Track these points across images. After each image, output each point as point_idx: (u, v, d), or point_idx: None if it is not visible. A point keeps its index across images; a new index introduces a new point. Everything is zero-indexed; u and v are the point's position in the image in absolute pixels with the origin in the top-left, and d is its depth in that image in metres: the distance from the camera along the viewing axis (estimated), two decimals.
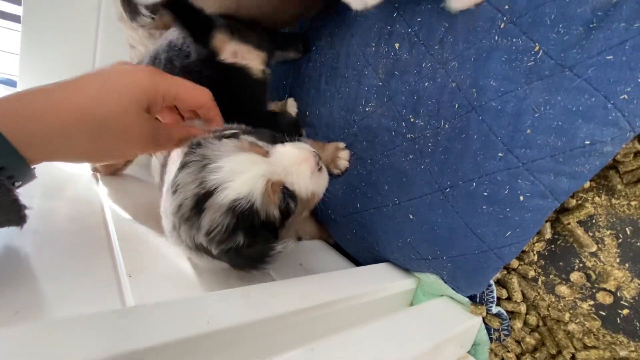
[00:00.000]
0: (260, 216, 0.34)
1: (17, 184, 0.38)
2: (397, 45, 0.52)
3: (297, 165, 0.38)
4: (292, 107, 0.78)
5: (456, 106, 0.42)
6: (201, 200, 0.33)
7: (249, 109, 0.71)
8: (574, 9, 0.35)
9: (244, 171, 0.33)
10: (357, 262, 0.64)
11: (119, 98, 0.41)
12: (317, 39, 0.73)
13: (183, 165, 0.36)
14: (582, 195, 0.41)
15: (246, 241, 0.34)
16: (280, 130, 0.73)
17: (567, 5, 0.35)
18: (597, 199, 0.40)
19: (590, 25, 0.34)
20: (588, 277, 0.42)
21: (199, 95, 0.47)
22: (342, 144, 0.63)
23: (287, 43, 0.75)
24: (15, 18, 1.13)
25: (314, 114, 0.72)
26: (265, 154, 0.37)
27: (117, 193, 0.63)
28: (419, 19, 0.49)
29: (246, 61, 0.67)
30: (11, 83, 1.16)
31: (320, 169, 0.41)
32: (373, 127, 0.55)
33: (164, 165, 0.51)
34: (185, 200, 0.34)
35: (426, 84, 0.47)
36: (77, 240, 0.46)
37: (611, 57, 0.32)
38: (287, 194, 0.36)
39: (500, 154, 0.37)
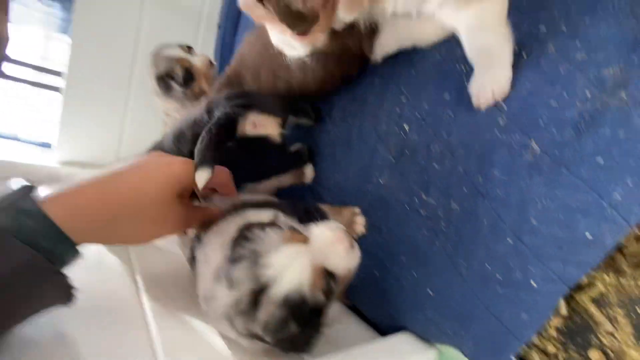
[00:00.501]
0: (309, 304, 0.37)
1: (67, 266, 0.42)
2: (406, 127, 0.57)
3: (334, 246, 0.41)
4: (309, 171, 0.84)
5: (465, 190, 0.46)
6: (257, 295, 0.37)
7: (269, 165, 0.76)
8: (563, 112, 0.40)
9: (292, 264, 0.37)
10: (375, 325, 0.65)
11: (159, 188, 0.46)
12: (330, 110, 0.79)
13: (235, 260, 0.39)
14: (592, 273, 0.44)
15: (298, 329, 0.37)
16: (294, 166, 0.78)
17: (557, 110, 0.40)
18: (606, 278, 0.42)
19: (579, 127, 0.38)
20: (606, 355, 0.43)
21: (221, 176, 0.53)
22: (357, 209, 0.67)
23: (299, 110, 0.82)
24: (54, 89, 1.25)
25: (329, 180, 0.77)
26: (305, 240, 0.41)
27: (149, 264, 0.66)
28: (426, 107, 0.55)
29: (265, 130, 0.74)
30: (47, 146, 1.26)
31: (352, 246, 0.44)
32: (387, 199, 0.60)
33: (196, 242, 0.55)
34: (243, 297, 0.38)
35: (435, 165, 0.51)
36: (114, 317, 0.50)
37: (601, 160, 0.36)
38: (329, 277, 0.40)
39: (509, 240, 0.40)
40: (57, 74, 1.25)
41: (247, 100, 0.71)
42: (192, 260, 0.56)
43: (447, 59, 0.53)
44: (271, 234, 0.41)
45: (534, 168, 0.40)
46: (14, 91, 1.22)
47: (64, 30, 1.26)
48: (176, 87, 0.93)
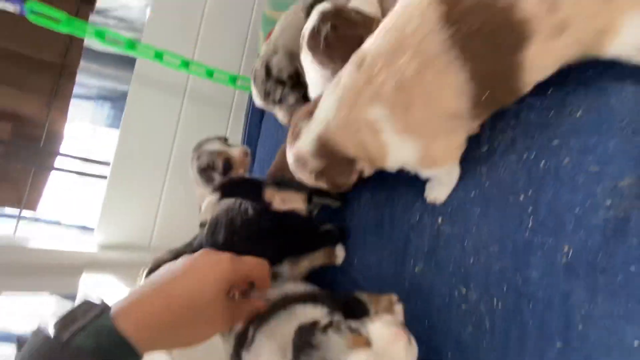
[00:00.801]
0: None
1: None
2: (439, 219, 0.62)
3: (394, 345, 0.42)
4: (340, 251, 0.87)
5: (505, 288, 0.49)
6: None
7: (300, 240, 0.80)
8: (588, 219, 0.44)
9: None
10: None
11: (213, 288, 0.49)
12: (359, 194, 0.85)
13: None
14: None
15: None
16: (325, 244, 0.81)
17: (582, 217, 0.44)
18: None
19: (607, 234, 0.42)
20: None
21: (261, 270, 0.55)
22: (395, 297, 0.68)
23: (324, 192, 0.88)
24: (97, 176, 1.37)
25: (361, 263, 0.79)
26: (368, 343, 0.43)
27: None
28: (455, 202, 0.60)
29: (293, 205, 0.79)
30: (87, 229, 1.34)
31: (410, 341, 0.46)
32: (425, 288, 0.62)
33: (241, 339, 0.57)
34: None
35: (471, 260, 0.55)
36: None
37: (634, 268, 0.39)
38: None
39: (558, 344, 0.42)
40: (101, 163, 1.38)
41: (272, 180, 0.78)
42: (236, 357, 0.57)
43: (470, 159, 0.59)
44: (335, 339, 0.42)
45: (571, 272, 0.43)
46: (59, 180, 1.34)
47: (111, 124, 1.42)
48: (216, 177, 1.01)
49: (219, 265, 0.51)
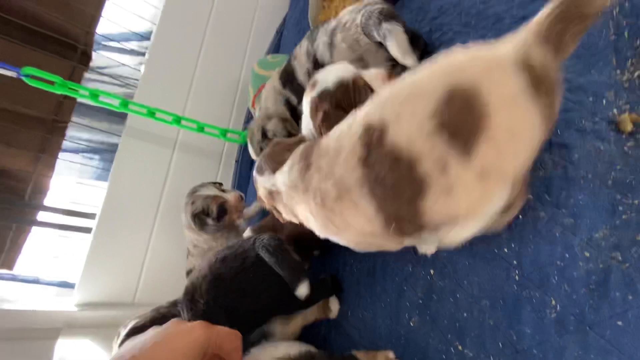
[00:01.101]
0: None
1: None
2: (432, 271, 0.63)
3: None
4: (334, 305, 0.85)
5: (500, 344, 0.49)
6: None
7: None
8: (570, 271, 0.46)
9: None
10: None
11: (184, 358, 0.47)
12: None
13: None
14: None
15: None
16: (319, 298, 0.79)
17: (564, 269, 0.46)
18: None
19: (590, 287, 0.44)
20: None
21: (234, 341, 0.52)
22: (391, 354, 0.67)
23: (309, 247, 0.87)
24: (80, 230, 1.33)
25: (356, 316, 0.78)
26: None
27: None
28: (444, 254, 0.61)
29: None
30: (66, 285, 1.28)
31: None
32: (422, 344, 0.61)
33: None
34: None
35: (464, 314, 0.55)
36: None
37: (621, 323, 0.40)
38: None
39: None
40: (86, 216, 1.35)
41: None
42: None
43: None
44: None
45: (561, 326, 0.44)
46: (41, 235, 1.30)
47: (98, 177, 1.42)
48: (210, 222, 1.01)
49: (190, 334, 0.49)
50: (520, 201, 0.51)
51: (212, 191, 1.04)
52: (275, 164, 0.59)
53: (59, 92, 1.02)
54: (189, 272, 1.13)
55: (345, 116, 0.49)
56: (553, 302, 0.46)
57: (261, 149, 0.91)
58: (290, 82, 0.87)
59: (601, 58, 0.53)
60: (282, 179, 0.56)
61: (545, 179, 0.52)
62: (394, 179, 0.40)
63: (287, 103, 0.89)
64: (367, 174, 0.42)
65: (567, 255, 0.47)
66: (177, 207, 1.34)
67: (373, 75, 0.58)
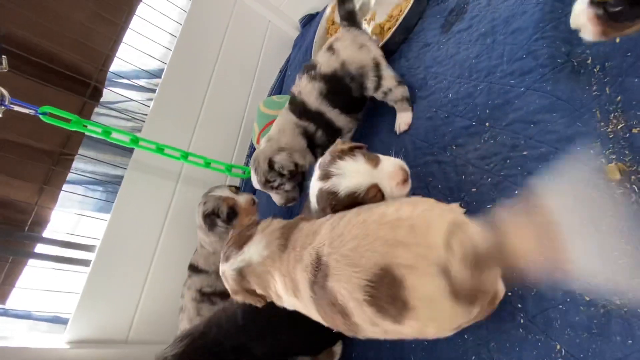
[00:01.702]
0: None
1: None
2: None
3: None
4: (338, 348, 0.84)
5: None
6: None
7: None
8: (572, 315, 0.48)
9: None
10: None
11: None
12: None
13: None
14: None
15: None
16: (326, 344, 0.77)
17: (566, 312, 0.48)
18: None
19: (592, 331, 0.45)
20: None
21: None
22: None
23: None
24: (77, 262, 1.32)
25: (361, 356, 0.77)
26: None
27: None
28: None
29: None
30: (58, 321, 1.24)
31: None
32: None
33: None
34: None
35: (473, 357, 0.55)
36: None
37: None
38: None
39: None
40: (84, 248, 1.34)
41: None
42: None
43: None
44: None
45: None
46: (37, 268, 1.28)
47: (99, 209, 1.42)
48: (219, 223, 0.99)
49: None
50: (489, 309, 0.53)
51: (225, 193, 1.05)
52: (241, 244, 0.60)
53: (74, 129, 1.06)
54: (191, 266, 1.11)
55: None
56: (558, 347, 0.47)
57: (266, 180, 0.92)
58: (305, 112, 0.92)
59: (586, 112, 0.58)
60: (255, 249, 0.58)
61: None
62: (332, 313, 0.48)
63: (305, 132, 0.93)
64: (313, 297, 0.50)
65: (568, 299, 0.49)
66: (176, 243, 1.35)
67: (389, 176, 0.56)
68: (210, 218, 1.03)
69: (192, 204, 1.41)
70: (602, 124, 0.57)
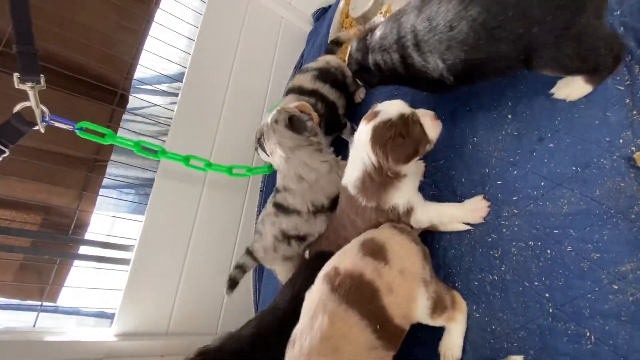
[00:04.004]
0: None
1: None
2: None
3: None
4: None
5: None
6: None
7: None
8: (601, 304, 0.49)
9: None
10: None
11: None
12: None
13: None
14: None
15: None
16: None
17: (595, 302, 0.49)
18: None
19: (622, 319, 0.47)
20: None
21: None
22: None
23: None
24: (116, 262, 1.41)
25: None
26: None
27: None
28: (474, 283, 0.64)
29: None
30: (104, 316, 1.34)
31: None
32: None
33: None
34: None
35: (504, 344, 0.58)
36: None
37: None
38: None
39: None
40: (122, 248, 1.43)
41: None
42: None
43: (482, 245, 0.65)
44: None
45: (597, 357, 0.47)
46: (81, 268, 1.37)
47: (133, 211, 1.50)
48: (307, 124, 0.95)
49: None
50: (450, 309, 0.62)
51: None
52: None
53: (108, 143, 1.12)
54: (279, 206, 0.99)
55: (404, 144, 0.64)
56: (587, 334, 0.49)
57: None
58: (302, 92, 1.06)
59: (617, 102, 0.58)
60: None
61: (568, 215, 0.56)
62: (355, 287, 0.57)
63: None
64: (338, 293, 0.58)
65: (597, 288, 0.50)
66: (207, 239, 1.42)
67: (422, 113, 0.67)
68: (298, 120, 0.95)
69: (218, 203, 1.47)
70: (634, 112, 0.57)
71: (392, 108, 0.68)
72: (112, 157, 1.45)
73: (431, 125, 0.67)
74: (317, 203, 0.93)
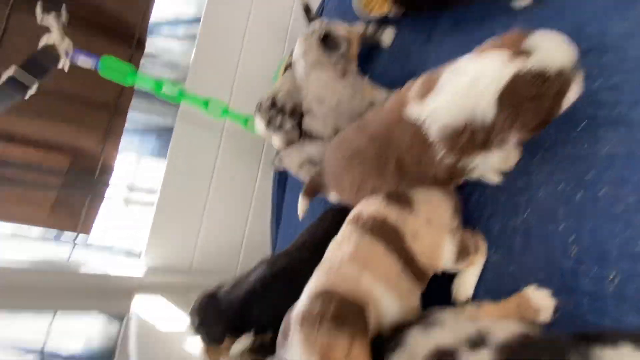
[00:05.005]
0: None
1: None
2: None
3: None
4: None
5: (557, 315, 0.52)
6: None
7: None
8: (632, 247, 0.48)
9: None
10: None
11: None
12: None
13: None
14: None
15: None
16: None
17: (624, 246, 0.48)
18: None
19: None
20: None
21: None
22: None
23: None
24: (141, 203, 1.47)
25: None
26: None
27: None
28: (496, 227, 0.64)
29: None
30: (131, 254, 1.43)
31: None
32: None
33: None
34: None
35: (520, 285, 0.58)
36: None
37: None
38: None
39: None
40: (147, 191, 1.49)
41: None
42: None
43: (509, 190, 0.64)
44: None
45: (620, 299, 0.46)
46: (109, 209, 1.45)
47: (154, 154, 1.54)
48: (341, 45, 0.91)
49: None
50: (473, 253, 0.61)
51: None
52: None
53: (129, 84, 1.12)
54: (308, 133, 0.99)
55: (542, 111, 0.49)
56: (612, 276, 0.48)
57: (269, 120, 0.96)
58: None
59: None
60: None
61: (608, 157, 0.53)
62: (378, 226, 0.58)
63: None
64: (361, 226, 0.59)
65: (628, 231, 0.48)
66: (227, 183, 1.46)
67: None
68: (332, 35, 0.91)
69: (237, 147, 1.49)
70: None
71: (553, 53, 0.47)
72: (133, 101, 1.46)
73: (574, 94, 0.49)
74: (340, 129, 0.90)
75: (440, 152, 0.56)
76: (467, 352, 0.42)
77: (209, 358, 0.72)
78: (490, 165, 0.63)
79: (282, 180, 1.47)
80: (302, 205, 0.85)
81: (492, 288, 0.62)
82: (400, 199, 0.61)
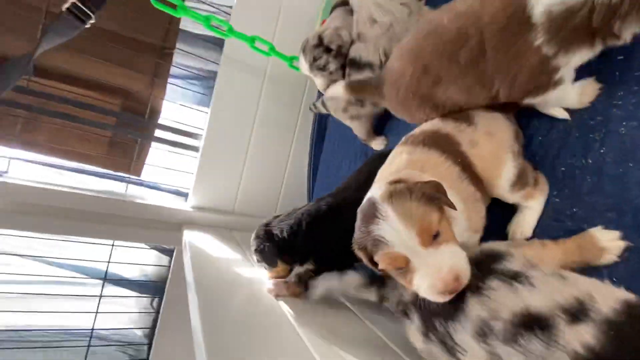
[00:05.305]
0: None
1: None
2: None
3: None
4: None
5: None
6: None
7: None
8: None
9: None
10: None
11: None
12: None
13: None
14: None
15: None
16: None
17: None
18: None
19: None
20: None
21: None
22: None
23: None
24: (188, 147, 1.54)
25: None
26: None
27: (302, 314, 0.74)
28: (562, 167, 0.60)
29: None
30: (179, 194, 1.53)
31: None
32: None
33: None
34: None
35: (585, 226, 0.56)
36: None
37: None
38: None
39: None
40: (192, 135, 1.54)
41: None
42: None
43: (581, 127, 0.59)
44: None
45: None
46: (157, 150, 1.53)
47: (198, 102, 1.57)
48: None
49: None
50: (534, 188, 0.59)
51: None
52: None
53: (179, 16, 1.11)
54: (351, 62, 0.94)
55: None
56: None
57: (314, 59, 0.95)
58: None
59: None
60: None
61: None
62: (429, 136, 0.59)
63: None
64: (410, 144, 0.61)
65: None
66: (267, 133, 1.48)
67: None
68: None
69: (278, 94, 1.48)
70: None
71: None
72: (177, 45, 1.47)
73: None
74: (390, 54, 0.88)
75: (540, 40, 0.49)
76: (564, 324, 0.37)
77: (270, 278, 0.78)
78: (566, 100, 0.58)
79: (320, 129, 1.47)
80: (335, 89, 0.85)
81: (548, 231, 0.60)
82: (457, 116, 0.61)
